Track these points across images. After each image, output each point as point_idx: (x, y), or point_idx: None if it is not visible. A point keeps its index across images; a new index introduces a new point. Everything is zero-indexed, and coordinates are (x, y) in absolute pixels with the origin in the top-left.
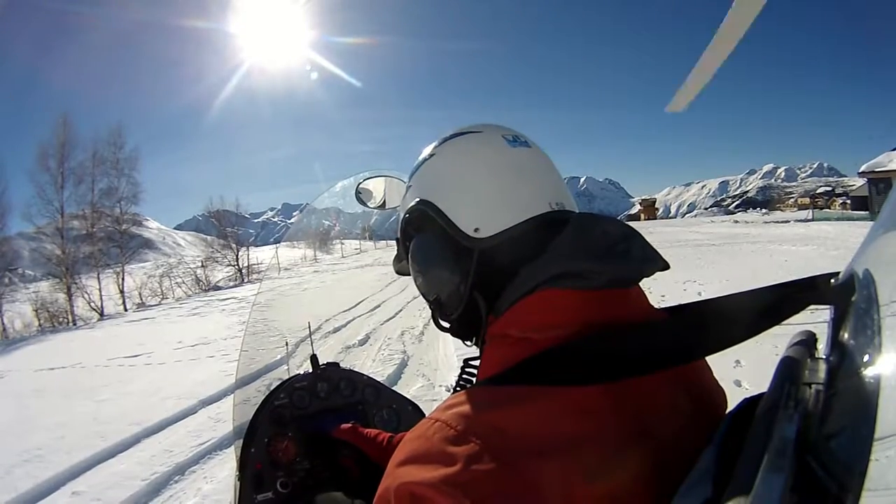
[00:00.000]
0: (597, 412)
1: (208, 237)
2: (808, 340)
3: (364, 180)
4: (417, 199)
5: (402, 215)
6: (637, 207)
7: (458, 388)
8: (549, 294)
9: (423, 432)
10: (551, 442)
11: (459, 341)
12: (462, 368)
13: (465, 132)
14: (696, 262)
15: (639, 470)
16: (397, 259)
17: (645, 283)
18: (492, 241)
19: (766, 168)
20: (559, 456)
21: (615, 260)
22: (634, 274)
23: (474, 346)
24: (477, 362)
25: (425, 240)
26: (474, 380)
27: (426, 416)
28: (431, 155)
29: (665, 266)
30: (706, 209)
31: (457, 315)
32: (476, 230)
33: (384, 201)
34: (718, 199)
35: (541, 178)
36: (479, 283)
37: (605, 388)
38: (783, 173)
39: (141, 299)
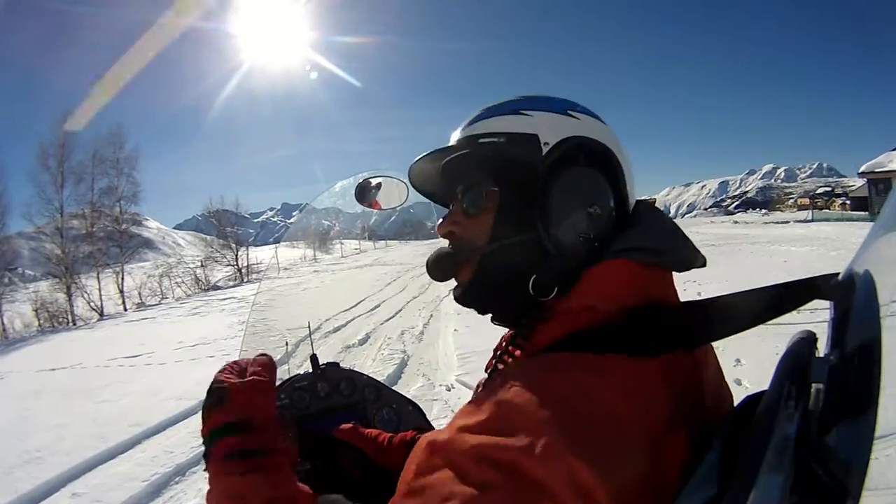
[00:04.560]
0: (657, 384)
1: (208, 237)
2: (809, 340)
3: (364, 180)
4: (600, 141)
5: (568, 135)
6: None
7: (497, 368)
8: (621, 265)
9: (498, 398)
10: (629, 409)
11: (459, 341)
12: (505, 347)
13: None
14: None
15: (682, 445)
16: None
17: None
18: (622, 225)
19: (766, 168)
20: (644, 418)
21: (682, 244)
22: (694, 259)
23: (502, 326)
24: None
25: (602, 181)
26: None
27: (426, 415)
28: (601, 120)
29: (704, 263)
30: (706, 209)
31: (558, 268)
32: (629, 203)
33: (383, 201)
34: (718, 199)
35: None
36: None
37: (662, 361)
38: (783, 174)
39: (141, 299)
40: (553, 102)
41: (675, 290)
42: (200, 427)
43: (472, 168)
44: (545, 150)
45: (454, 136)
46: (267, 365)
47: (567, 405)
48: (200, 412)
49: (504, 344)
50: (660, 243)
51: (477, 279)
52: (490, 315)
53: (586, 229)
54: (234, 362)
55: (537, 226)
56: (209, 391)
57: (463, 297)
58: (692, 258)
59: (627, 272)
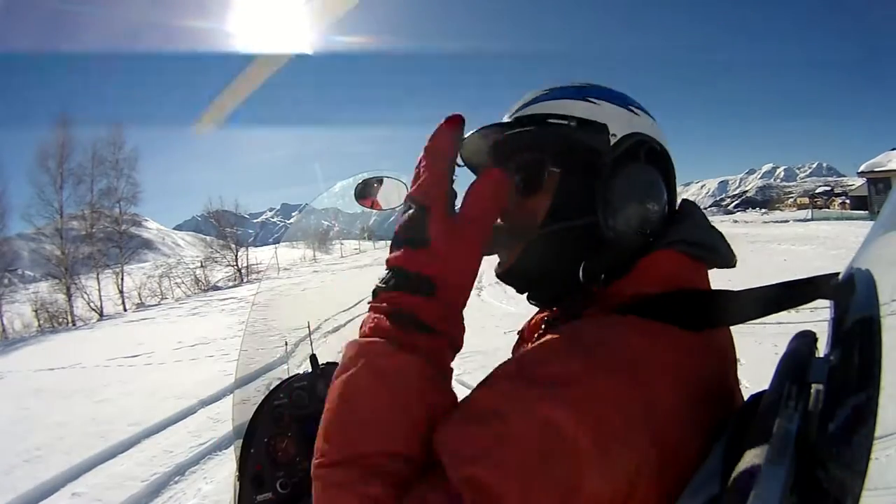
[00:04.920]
0: (701, 356)
1: (207, 237)
2: (809, 340)
3: (363, 180)
4: (657, 140)
5: (633, 130)
6: None
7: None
8: (670, 255)
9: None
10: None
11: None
12: (543, 331)
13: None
14: None
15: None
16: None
17: None
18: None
19: (766, 168)
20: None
21: (723, 243)
22: (732, 258)
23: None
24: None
25: (659, 179)
26: None
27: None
28: (654, 119)
29: (735, 262)
30: (706, 209)
31: (610, 258)
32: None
33: (383, 202)
34: (718, 198)
35: None
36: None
37: (704, 336)
38: (782, 173)
39: (140, 299)
40: (615, 95)
41: (710, 285)
42: (200, 426)
43: (533, 146)
44: (613, 141)
45: (511, 113)
46: (500, 191)
47: (612, 357)
48: (200, 412)
49: (543, 327)
50: (708, 240)
51: (525, 259)
52: (526, 295)
53: (642, 224)
54: (444, 146)
55: (596, 213)
56: (409, 207)
57: (507, 276)
58: (730, 257)
59: (677, 263)
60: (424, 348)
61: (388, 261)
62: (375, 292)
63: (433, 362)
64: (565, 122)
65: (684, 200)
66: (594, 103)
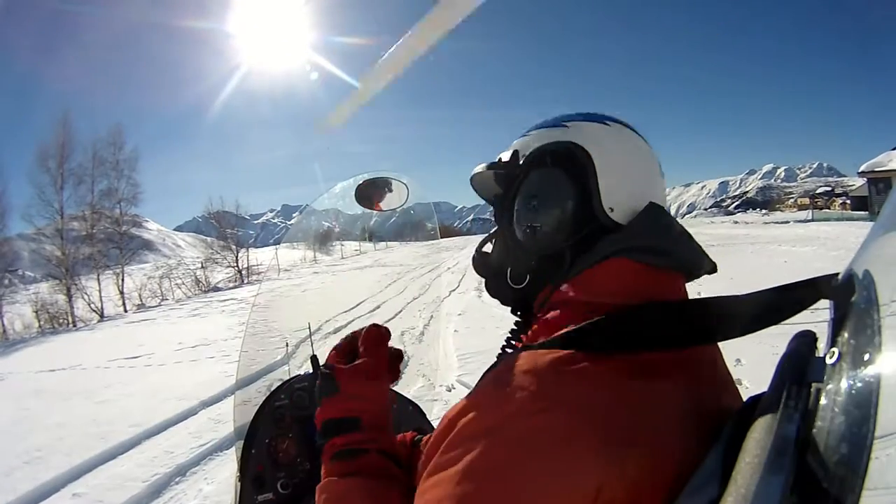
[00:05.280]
0: (669, 376)
1: (208, 238)
2: (808, 340)
3: (364, 182)
4: (577, 143)
5: (544, 143)
6: None
7: (502, 353)
8: (623, 263)
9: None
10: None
11: (459, 342)
12: (511, 335)
13: (634, 129)
14: None
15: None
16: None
17: None
18: (609, 223)
19: (766, 168)
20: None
21: (686, 247)
22: (700, 263)
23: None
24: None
25: (562, 179)
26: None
27: (426, 416)
28: (606, 124)
29: (714, 268)
30: (706, 210)
31: (535, 260)
32: (611, 210)
33: (383, 203)
34: (718, 199)
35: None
36: (575, 245)
37: (672, 356)
38: (783, 173)
39: (141, 300)
40: (555, 119)
41: (685, 294)
42: (200, 427)
43: (485, 185)
44: (521, 161)
45: None
46: (377, 339)
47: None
48: (200, 413)
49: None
50: (661, 244)
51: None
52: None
53: (528, 220)
54: (350, 338)
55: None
56: (321, 374)
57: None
58: (698, 262)
59: (626, 271)
60: (359, 467)
61: (316, 418)
62: (321, 447)
63: (371, 474)
64: (499, 165)
65: (650, 203)
66: (527, 136)
